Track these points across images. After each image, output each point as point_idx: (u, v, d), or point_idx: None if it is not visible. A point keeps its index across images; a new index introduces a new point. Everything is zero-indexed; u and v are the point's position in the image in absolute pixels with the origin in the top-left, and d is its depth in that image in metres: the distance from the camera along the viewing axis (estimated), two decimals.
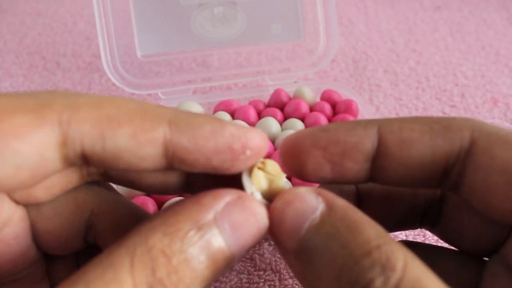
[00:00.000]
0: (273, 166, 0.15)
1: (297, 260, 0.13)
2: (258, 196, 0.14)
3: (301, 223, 0.13)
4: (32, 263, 0.15)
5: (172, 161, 0.13)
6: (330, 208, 0.13)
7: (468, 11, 0.54)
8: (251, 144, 0.13)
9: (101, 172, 0.15)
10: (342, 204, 0.13)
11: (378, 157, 0.15)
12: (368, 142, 0.15)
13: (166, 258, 0.11)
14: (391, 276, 0.11)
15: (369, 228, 0.12)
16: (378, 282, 0.11)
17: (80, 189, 0.16)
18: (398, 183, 0.15)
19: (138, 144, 0.12)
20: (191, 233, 0.12)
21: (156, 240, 0.12)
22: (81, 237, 0.16)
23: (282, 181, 0.15)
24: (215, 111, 0.33)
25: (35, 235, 0.15)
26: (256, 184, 0.14)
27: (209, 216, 0.12)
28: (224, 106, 0.33)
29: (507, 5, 0.55)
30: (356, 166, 0.15)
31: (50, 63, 0.45)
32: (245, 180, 0.14)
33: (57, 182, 0.15)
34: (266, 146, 0.14)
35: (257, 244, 0.14)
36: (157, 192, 0.16)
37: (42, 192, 0.14)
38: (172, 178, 0.16)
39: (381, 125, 0.15)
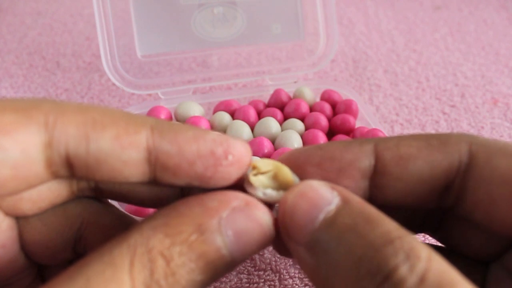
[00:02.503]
0: (264, 163, 0.15)
1: (309, 253, 0.13)
2: (270, 192, 0.14)
3: (315, 215, 0.13)
4: (20, 271, 0.15)
5: (155, 169, 0.13)
6: (345, 201, 0.13)
7: (468, 11, 0.54)
8: (233, 150, 0.13)
9: (92, 187, 0.15)
10: (357, 199, 0.13)
11: (375, 175, 0.14)
12: (364, 158, 0.14)
13: (165, 261, 0.11)
14: (417, 264, 0.11)
15: (387, 221, 0.12)
16: (403, 269, 0.11)
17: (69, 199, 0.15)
18: (397, 202, 0.15)
19: (121, 147, 0.12)
20: (193, 236, 0.12)
21: (156, 241, 0.12)
22: (71, 248, 0.15)
23: (284, 169, 0.15)
24: (215, 111, 0.33)
25: (24, 244, 0.15)
26: (260, 187, 0.14)
27: (213, 221, 0.12)
28: (224, 106, 0.33)
29: (507, 5, 0.55)
30: (353, 183, 0.14)
31: (50, 63, 0.45)
32: (250, 189, 0.14)
33: (45, 196, 0.14)
34: (249, 155, 0.14)
35: (258, 252, 0.13)
36: (151, 206, 0.16)
37: (29, 206, 0.14)
38: (166, 191, 0.15)
39: (377, 142, 0.15)
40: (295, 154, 0.15)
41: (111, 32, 0.33)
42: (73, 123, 0.12)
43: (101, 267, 0.11)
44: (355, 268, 0.11)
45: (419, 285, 0.10)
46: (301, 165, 0.15)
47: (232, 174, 0.13)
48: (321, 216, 0.13)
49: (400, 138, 0.15)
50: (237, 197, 0.13)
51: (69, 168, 0.13)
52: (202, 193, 0.13)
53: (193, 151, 0.13)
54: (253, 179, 0.14)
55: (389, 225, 0.12)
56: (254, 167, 0.14)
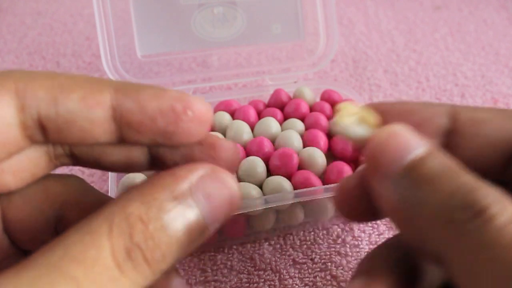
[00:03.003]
0: (352, 106, 0.16)
1: (394, 188, 0.14)
2: (360, 129, 0.15)
3: (406, 153, 0.14)
4: (5, 256, 0.16)
5: (121, 127, 0.14)
6: (433, 150, 0.14)
7: (468, 11, 0.54)
8: (192, 106, 0.14)
9: (68, 153, 0.16)
10: (443, 152, 0.14)
11: (450, 133, 0.15)
12: (442, 116, 0.15)
13: (143, 225, 0.12)
14: (508, 207, 0.12)
15: (470, 174, 0.13)
16: (496, 208, 0.12)
17: (50, 178, 0.16)
18: (467, 163, 0.16)
19: (88, 107, 0.13)
20: (167, 202, 0.13)
21: (133, 208, 0.12)
22: (52, 229, 0.16)
23: (371, 113, 0.16)
24: (215, 111, 0.33)
25: (6, 226, 0.15)
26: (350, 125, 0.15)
27: (184, 186, 0.13)
28: (224, 106, 0.33)
29: (507, 5, 0.55)
30: (429, 139, 0.15)
31: (50, 63, 0.45)
32: (339, 128, 0.15)
33: (25, 165, 0.15)
34: (209, 114, 0.14)
35: (229, 216, 0.14)
36: (123, 171, 0.17)
37: (10, 178, 0.15)
38: (135, 154, 0.16)
39: (454, 106, 0.16)
40: (379, 104, 0.16)
41: (111, 32, 0.33)
42: (42, 87, 0.13)
43: (80, 236, 0.12)
44: (446, 201, 0.12)
45: (510, 223, 0.11)
46: (384, 114, 0.16)
47: (193, 130, 0.14)
48: (411, 156, 0.14)
49: (477, 107, 0.16)
50: (204, 165, 0.14)
51: (43, 131, 0.14)
52: (172, 168, 0.14)
53: (154, 108, 0.13)
54: (342, 118, 0.15)
55: (472, 176, 0.13)
56: (341, 109, 0.16)
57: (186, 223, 0.13)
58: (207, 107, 0.14)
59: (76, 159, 0.16)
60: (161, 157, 0.16)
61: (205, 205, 0.13)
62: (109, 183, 0.27)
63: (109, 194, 0.26)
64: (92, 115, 0.13)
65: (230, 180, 0.14)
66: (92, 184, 0.32)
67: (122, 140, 0.14)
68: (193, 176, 0.13)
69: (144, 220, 0.12)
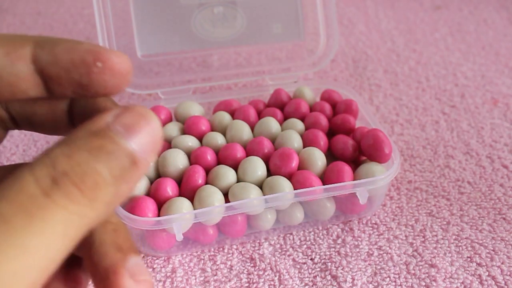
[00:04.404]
0: None
1: None
2: None
3: None
4: None
5: (45, 80, 0.14)
6: None
7: (468, 11, 0.54)
8: (103, 58, 0.14)
9: (7, 116, 0.16)
10: None
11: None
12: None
13: (67, 157, 0.12)
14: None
15: None
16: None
17: None
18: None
19: (12, 61, 0.14)
20: (87, 138, 0.13)
21: (54, 149, 0.12)
22: None
23: None
24: (215, 111, 0.33)
25: None
26: None
27: (102, 124, 0.13)
28: (224, 106, 0.33)
29: (507, 5, 0.55)
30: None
31: None
32: None
33: None
34: (123, 65, 0.15)
35: (157, 149, 0.14)
36: (52, 131, 0.17)
37: None
38: (57, 106, 0.17)
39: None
40: None
41: (111, 32, 0.33)
42: None
43: (2, 182, 0.12)
44: None
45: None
46: None
47: (108, 82, 0.14)
48: None
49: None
50: (119, 106, 0.15)
51: None
52: None
53: (67, 60, 0.14)
54: None
55: None
56: None
57: (110, 152, 0.13)
58: (122, 59, 0.15)
59: (15, 122, 0.17)
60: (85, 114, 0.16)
61: (126, 134, 0.13)
62: None
63: None
64: (16, 70, 0.14)
65: (143, 110, 0.14)
66: None
67: (49, 93, 0.15)
68: (109, 116, 0.14)
69: (67, 154, 0.12)
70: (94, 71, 0.14)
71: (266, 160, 0.28)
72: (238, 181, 0.27)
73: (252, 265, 0.27)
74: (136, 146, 0.13)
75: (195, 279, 0.26)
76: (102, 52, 0.14)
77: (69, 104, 0.17)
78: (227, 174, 0.27)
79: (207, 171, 0.28)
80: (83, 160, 0.12)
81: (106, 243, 0.15)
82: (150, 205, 0.25)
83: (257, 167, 0.27)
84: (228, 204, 0.25)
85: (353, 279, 0.26)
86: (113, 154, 0.13)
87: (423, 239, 0.28)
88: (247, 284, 0.26)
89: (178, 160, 0.28)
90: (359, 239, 0.28)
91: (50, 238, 0.11)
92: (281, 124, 0.31)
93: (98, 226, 0.15)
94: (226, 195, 0.27)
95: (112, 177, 0.13)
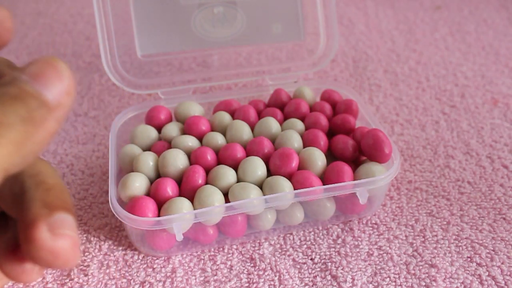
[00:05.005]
0: None
1: None
2: None
3: None
4: None
5: None
6: None
7: (468, 11, 0.54)
8: None
9: None
10: None
11: None
12: None
13: None
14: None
15: None
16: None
17: None
18: None
19: None
20: None
21: None
22: None
23: None
24: (215, 111, 0.33)
25: None
26: None
27: (9, 77, 0.14)
28: (224, 106, 0.33)
29: (507, 5, 0.55)
30: None
31: None
32: None
33: None
34: (5, 19, 0.15)
35: (70, 92, 0.15)
36: None
37: None
38: None
39: None
40: None
41: (111, 32, 0.33)
42: None
43: None
44: None
45: None
46: None
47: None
48: None
49: None
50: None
51: None
52: None
53: None
54: None
55: None
56: None
57: (15, 97, 0.13)
58: (3, 14, 0.15)
59: None
60: None
61: (32, 81, 0.14)
62: (109, 183, 0.27)
63: (109, 194, 0.26)
64: None
65: (51, 58, 0.15)
66: (92, 184, 0.32)
67: None
68: (15, 70, 0.14)
69: None
70: None
71: (266, 160, 0.28)
72: (238, 181, 0.27)
73: (252, 265, 0.27)
74: (44, 90, 0.14)
75: (195, 279, 0.26)
76: None
77: None
78: (227, 174, 0.27)
79: (207, 171, 0.28)
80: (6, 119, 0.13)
81: (34, 200, 0.15)
82: (150, 205, 0.25)
83: (257, 167, 0.27)
84: (228, 204, 0.25)
85: (353, 279, 0.26)
86: (19, 98, 0.13)
87: (423, 239, 0.28)
88: (247, 284, 0.26)
89: (178, 160, 0.28)
90: (359, 239, 0.28)
91: None
92: (281, 124, 0.31)
93: (31, 186, 0.16)
94: (226, 195, 0.27)
95: (18, 117, 0.13)
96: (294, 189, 0.27)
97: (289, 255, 0.28)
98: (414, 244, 0.28)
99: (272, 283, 0.26)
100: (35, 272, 0.17)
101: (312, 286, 0.26)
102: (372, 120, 0.31)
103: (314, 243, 0.28)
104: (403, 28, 0.51)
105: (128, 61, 0.34)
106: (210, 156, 0.28)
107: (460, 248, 0.28)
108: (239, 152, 0.28)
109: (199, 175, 0.27)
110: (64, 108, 0.14)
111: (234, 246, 0.28)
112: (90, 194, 0.32)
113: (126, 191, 0.26)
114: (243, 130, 0.30)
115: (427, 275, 0.26)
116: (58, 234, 0.14)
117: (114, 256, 0.28)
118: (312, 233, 0.29)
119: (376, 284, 0.26)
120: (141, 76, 0.35)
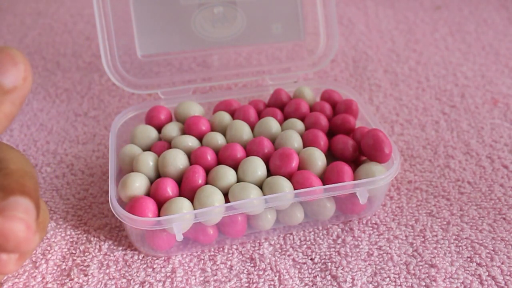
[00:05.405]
0: None
1: None
2: None
3: None
4: None
5: None
6: None
7: (468, 11, 0.54)
8: None
9: None
10: None
11: None
12: None
13: None
14: None
15: None
16: None
17: None
18: None
19: None
20: None
21: None
22: None
23: None
24: (215, 111, 0.33)
25: None
26: None
27: None
28: (224, 106, 0.33)
29: (507, 5, 0.55)
30: None
31: (50, 63, 0.45)
32: None
33: None
34: None
35: (27, 77, 0.17)
36: None
37: None
38: None
39: None
40: None
41: (111, 32, 0.33)
42: None
43: None
44: None
45: None
46: None
47: None
48: None
49: None
50: None
51: None
52: None
53: None
54: None
55: None
56: None
57: None
58: None
59: None
60: None
61: None
62: (109, 183, 0.27)
63: (109, 194, 0.26)
64: None
65: (5, 47, 0.16)
66: (92, 184, 0.32)
67: None
68: None
69: None
70: None
71: (266, 160, 0.28)
72: (238, 181, 0.27)
73: (252, 265, 0.27)
74: (1, 76, 0.15)
75: (195, 279, 0.26)
76: None
77: None
78: (227, 174, 0.27)
79: (207, 171, 0.28)
80: None
81: None
82: (150, 205, 0.25)
83: (257, 167, 0.27)
84: (228, 204, 0.25)
85: (353, 279, 0.26)
86: None
87: (423, 239, 0.28)
88: (247, 284, 0.26)
89: (178, 160, 0.28)
90: (359, 239, 0.28)
91: None
92: (281, 124, 0.31)
93: None
94: (226, 195, 0.27)
95: None
96: (294, 189, 0.27)
97: (289, 255, 0.28)
98: (414, 244, 0.28)
99: (272, 283, 0.26)
100: (11, 263, 0.17)
101: (312, 286, 0.26)
102: (372, 120, 0.31)
103: (314, 243, 0.28)
104: (403, 28, 0.51)
105: (128, 61, 0.34)
106: (210, 156, 0.28)
107: (460, 248, 0.28)
108: (239, 152, 0.28)
109: (199, 175, 0.27)
110: (21, 91, 0.16)
111: (234, 246, 0.28)
112: (90, 194, 0.32)
113: (126, 191, 0.26)
114: (243, 130, 0.30)
115: (427, 275, 0.26)
116: (8, 216, 0.14)
117: (114, 256, 0.28)
118: (312, 233, 0.29)
119: (376, 284, 0.26)
120: (141, 76, 0.35)
